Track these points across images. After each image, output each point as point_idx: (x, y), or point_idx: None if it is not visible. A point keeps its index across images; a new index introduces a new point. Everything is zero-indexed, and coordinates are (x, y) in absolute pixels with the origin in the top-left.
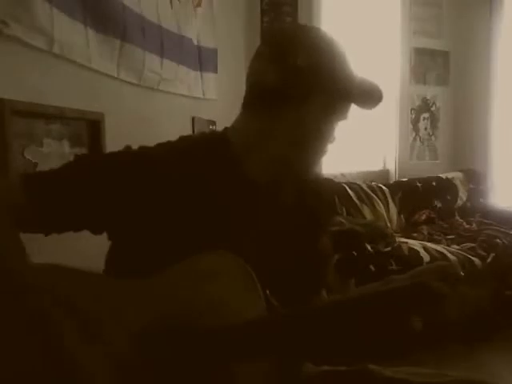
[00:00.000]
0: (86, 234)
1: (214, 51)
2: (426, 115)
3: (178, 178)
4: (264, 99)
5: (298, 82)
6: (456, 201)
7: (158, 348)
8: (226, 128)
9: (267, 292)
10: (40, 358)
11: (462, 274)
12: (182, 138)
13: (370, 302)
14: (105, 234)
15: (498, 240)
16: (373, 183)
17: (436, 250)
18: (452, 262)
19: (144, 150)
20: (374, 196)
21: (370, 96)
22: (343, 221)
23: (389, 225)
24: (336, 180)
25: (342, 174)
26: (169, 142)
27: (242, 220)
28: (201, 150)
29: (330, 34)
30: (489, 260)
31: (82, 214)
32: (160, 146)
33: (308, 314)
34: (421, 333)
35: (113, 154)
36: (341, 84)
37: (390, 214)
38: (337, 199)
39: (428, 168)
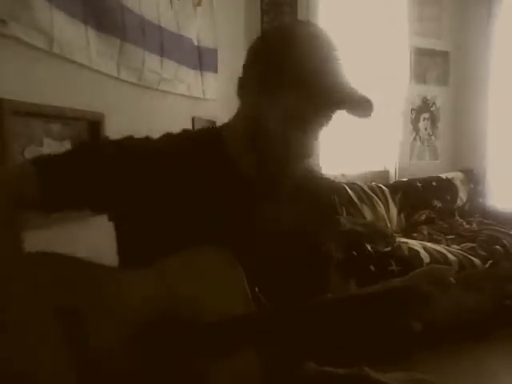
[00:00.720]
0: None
1: (214, 51)
2: (426, 115)
3: (172, 170)
4: (244, 92)
5: (272, 74)
6: (456, 201)
7: (153, 337)
8: (223, 124)
9: (256, 289)
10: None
11: (453, 280)
12: (184, 131)
13: (359, 302)
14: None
15: (497, 247)
16: (373, 183)
17: (436, 250)
18: (447, 266)
19: (144, 142)
20: (374, 196)
21: (351, 102)
22: (343, 221)
23: (389, 225)
24: (336, 180)
25: (343, 175)
26: (171, 135)
27: (233, 215)
28: (197, 144)
29: (324, 33)
30: (487, 266)
31: (85, 194)
32: (165, 137)
33: (296, 312)
34: (421, 333)
35: (117, 142)
36: (317, 82)
37: (390, 214)
38: (337, 199)
39: (428, 168)
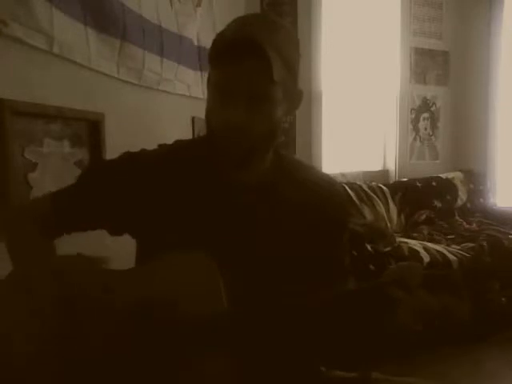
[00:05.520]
0: None
1: None
2: (426, 115)
3: (163, 180)
4: None
5: None
6: (456, 201)
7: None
8: None
9: (242, 291)
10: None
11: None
12: (176, 142)
13: (325, 305)
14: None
15: (483, 243)
16: (373, 183)
17: (436, 250)
18: (416, 264)
19: (134, 156)
20: (374, 196)
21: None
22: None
23: (389, 225)
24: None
25: (342, 174)
26: (164, 146)
27: (222, 222)
28: (188, 153)
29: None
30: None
31: (93, 216)
32: (160, 147)
33: (265, 313)
34: (421, 334)
35: (110, 162)
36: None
37: (390, 214)
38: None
39: (428, 168)
